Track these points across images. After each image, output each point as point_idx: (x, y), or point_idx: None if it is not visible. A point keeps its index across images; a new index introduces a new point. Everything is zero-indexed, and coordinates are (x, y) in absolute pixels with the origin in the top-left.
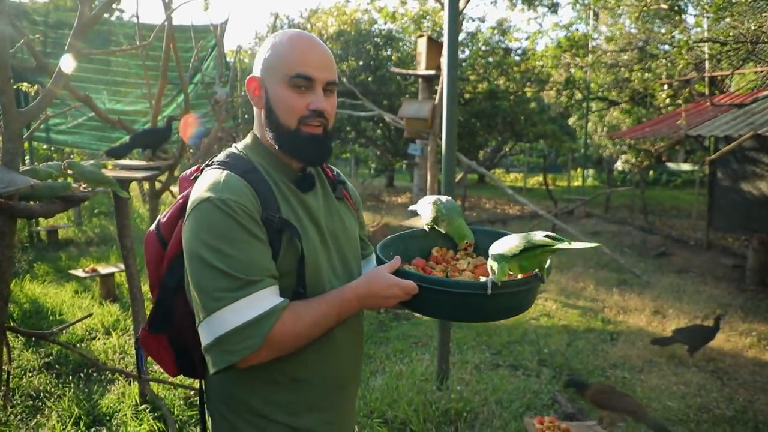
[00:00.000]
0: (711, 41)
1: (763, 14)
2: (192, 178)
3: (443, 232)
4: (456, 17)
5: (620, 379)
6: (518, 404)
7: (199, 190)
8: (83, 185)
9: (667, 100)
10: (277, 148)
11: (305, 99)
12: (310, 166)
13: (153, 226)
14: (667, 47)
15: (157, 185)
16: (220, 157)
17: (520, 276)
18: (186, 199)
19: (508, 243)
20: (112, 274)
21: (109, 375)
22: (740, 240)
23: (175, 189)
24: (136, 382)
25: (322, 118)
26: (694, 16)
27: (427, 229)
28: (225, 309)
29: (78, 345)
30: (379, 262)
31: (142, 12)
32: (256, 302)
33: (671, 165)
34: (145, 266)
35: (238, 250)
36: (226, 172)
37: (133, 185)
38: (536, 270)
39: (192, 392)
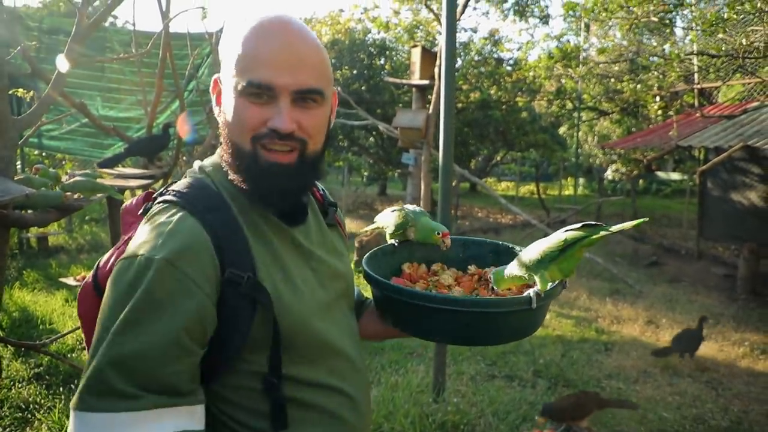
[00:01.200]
0: (702, 54)
1: (754, 29)
2: (140, 212)
3: (413, 238)
4: (454, 27)
5: (615, 389)
6: (514, 416)
7: (136, 239)
8: (77, 194)
9: (659, 111)
10: (232, 168)
11: (263, 112)
12: (269, 207)
13: (90, 275)
14: (656, 59)
15: None
16: (180, 185)
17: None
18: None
19: (541, 247)
20: None
21: None
22: (730, 249)
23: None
24: None
25: (291, 140)
26: (683, 29)
27: (396, 243)
28: (96, 414)
29: (69, 355)
30: (370, 279)
31: (137, 19)
32: (131, 424)
33: (661, 174)
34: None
35: (148, 345)
36: (179, 214)
37: (126, 193)
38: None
39: None
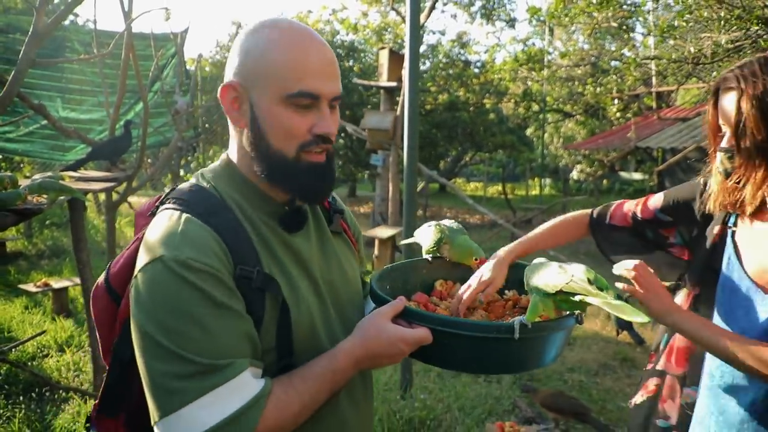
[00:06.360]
0: (655, 59)
1: (700, 36)
2: (149, 214)
3: (447, 258)
4: (417, 30)
5: (577, 382)
6: (480, 410)
7: (150, 243)
8: (38, 197)
9: (618, 114)
10: (263, 178)
11: (307, 120)
12: (309, 204)
13: (102, 277)
14: (616, 63)
15: (114, 196)
16: (180, 191)
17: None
18: (140, 242)
19: (546, 275)
20: (65, 289)
21: (63, 394)
22: None
23: (132, 200)
24: (92, 400)
25: (328, 143)
26: (642, 34)
27: (430, 259)
28: (191, 405)
29: (29, 363)
30: (376, 298)
31: (99, 17)
32: (234, 391)
33: (623, 174)
34: (95, 327)
35: (203, 329)
36: (184, 216)
37: (88, 196)
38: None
39: None
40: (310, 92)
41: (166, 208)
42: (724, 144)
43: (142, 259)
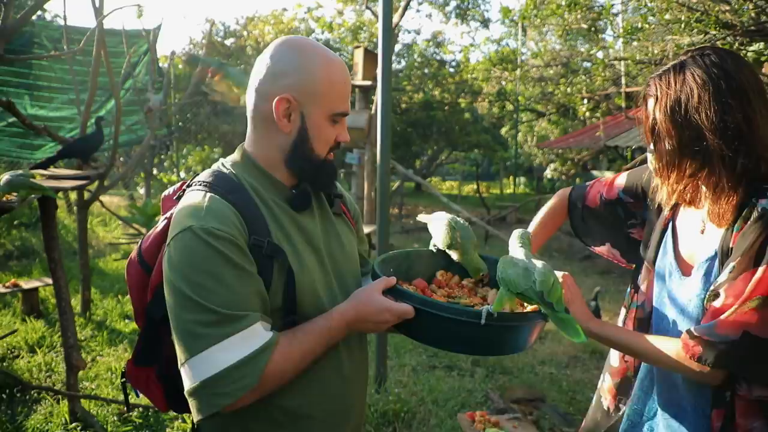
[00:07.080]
0: (623, 60)
1: (666, 39)
2: (175, 197)
3: (454, 259)
4: (390, 29)
5: (548, 374)
6: (453, 403)
7: (180, 217)
8: (8, 195)
9: (587, 113)
10: (291, 170)
11: (335, 130)
12: (324, 191)
13: (134, 251)
14: (587, 64)
15: (86, 195)
16: (204, 175)
17: (529, 308)
18: (169, 221)
19: (512, 275)
20: (35, 289)
21: (35, 394)
22: None
23: (105, 199)
24: (65, 400)
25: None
26: (611, 36)
27: (434, 250)
28: (213, 348)
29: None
30: (375, 277)
31: (68, 14)
32: (247, 338)
33: (596, 173)
34: (128, 293)
35: (223, 285)
36: (209, 194)
37: (58, 195)
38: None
39: (125, 407)
40: (345, 112)
41: (193, 189)
42: (651, 146)
43: (174, 230)
